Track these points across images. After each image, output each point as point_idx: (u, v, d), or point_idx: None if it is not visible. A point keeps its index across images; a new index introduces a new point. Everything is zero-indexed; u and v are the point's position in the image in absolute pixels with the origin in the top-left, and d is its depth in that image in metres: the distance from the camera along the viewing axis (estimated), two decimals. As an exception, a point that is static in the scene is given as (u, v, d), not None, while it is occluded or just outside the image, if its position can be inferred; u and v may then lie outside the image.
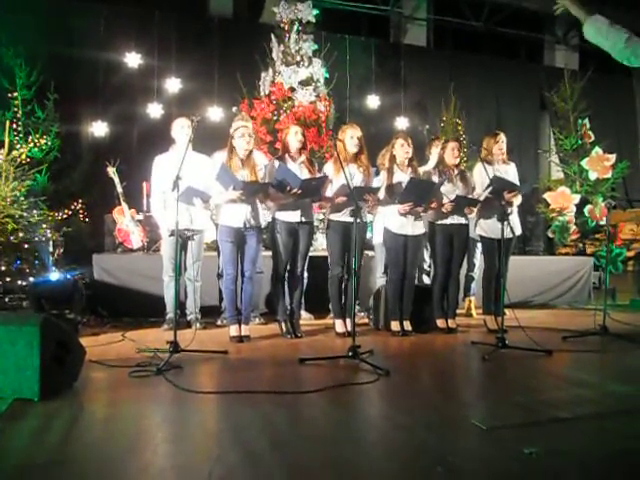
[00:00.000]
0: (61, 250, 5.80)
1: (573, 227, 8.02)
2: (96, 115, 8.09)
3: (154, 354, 3.67)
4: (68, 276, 4.88)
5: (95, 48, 8.29)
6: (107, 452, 2.19)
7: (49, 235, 5.60)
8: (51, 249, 5.58)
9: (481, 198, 4.76)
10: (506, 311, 4.36)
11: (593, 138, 8.67)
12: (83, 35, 8.39)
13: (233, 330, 4.37)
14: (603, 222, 7.87)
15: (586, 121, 8.81)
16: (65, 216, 6.98)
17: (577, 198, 8.14)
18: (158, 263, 4.87)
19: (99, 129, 7.96)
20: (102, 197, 6.83)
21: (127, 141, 8.45)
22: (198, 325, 4.74)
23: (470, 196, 4.82)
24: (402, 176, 4.62)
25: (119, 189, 5.77)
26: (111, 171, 5.80)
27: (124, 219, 5.69)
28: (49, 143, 7.09)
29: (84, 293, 4.80)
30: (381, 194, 4.57)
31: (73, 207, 7.26)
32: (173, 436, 2.44)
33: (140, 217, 5.81)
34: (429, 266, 5.35)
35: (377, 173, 4.71)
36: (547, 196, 8.25)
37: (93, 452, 2.20)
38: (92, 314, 5.00)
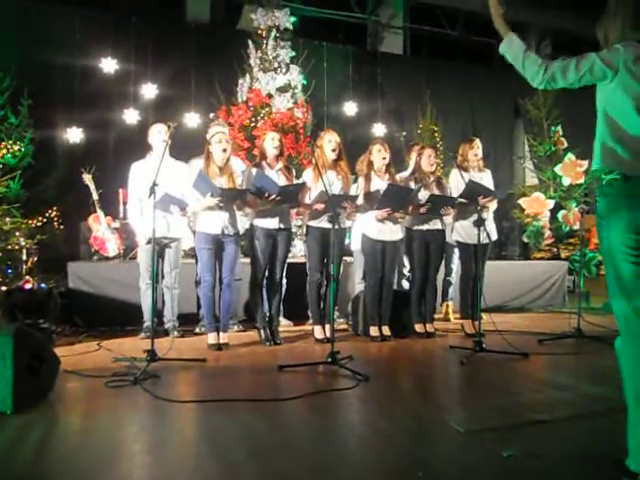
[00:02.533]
0: (35, 258, 5.69)
1: (547, 232, 8.15)
2: (71, 121, 7.97)
3: (131, 363, 3.63)
4: (42, 285, 4.78)
5: (70, 53, 8.18)
6: (83, 464, 2.15)
7: (22, 243, 5.49)
8: (25, 257, 5.47)
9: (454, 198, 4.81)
10: (483, 315, 4.41)
11: (566, 145, 8.84)
12: (58, 40, 8.27)
13: (211, 338, 4.33)
14: (576, 227, 8.01)
15: (559, 128, 8.97)
16: (39, 224, 6.85)
17: (551, 203, 8.28)
18: (135, 271, 4.81)
19: (74, 135, 7.85)
20: (77, 204, 6.71)
21: (103, 147, 8.34)
22: (176, 333, 4.70)
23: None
24: (379, 182, 4.65)
25: (95, 196, 5.69)
26: (87, 178, 5.72)
27: (100, 226, 5.61)
28: (22, 149, 6.96)
29: (59, 302, 4.71)
30: (359, 200, 4.59)
31: (47, 214, 7.12)
32: (151, 446, 2.40)
33: (116, 224, 5.73)
34: (409, 271, 5.38)
35: (355, 179, 4.73)
36: (522, 201, 8.37)
37: (68, 465, 2.16)
38: (67, 323, 4.91)
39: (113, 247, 5.61)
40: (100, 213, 5.63)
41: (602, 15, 2.16)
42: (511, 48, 2.15)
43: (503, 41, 2.18)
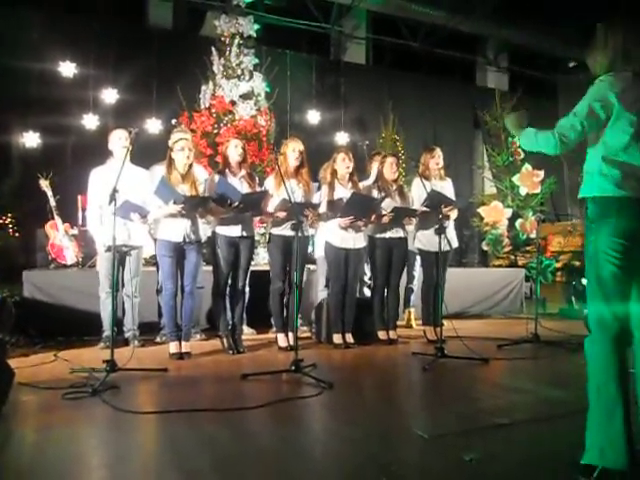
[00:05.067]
0: (-12, 266, 5.50)
1: (506, 240, 8.35)
2: (27, 125, 7.77)
3: (89, 374, 3.53)
4: (-5, 294, 4.62)
5: (27, 56, 7.98)
6: None
7: (-26, 251, 5.30)
8: (-23, 265, 5.28)
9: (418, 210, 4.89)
10: (444, 322, 4.48)
11: (522, 155, 9.11)
12: (14, 42, 8.06)
13: (173, 347, 4.26)
14: (533, 235, 8.24)
15: (516, 139, 9.24)
16: (-7, 230, 6.64)
17: (509, 212, 8.50)
18: (93, 279, 4.70)
19: (31, 140, 7.64)
20: (34, 211, 6.52)
21: (61, 153, 8.15)
22: (136, 342, 4.60)
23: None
24: (343, 190, 4.69)
25: (52, 202, 5.53)
26: (44, 184, 5.56)
27: (57, 234, 5.46)
28: (-25, 154, 6.74)
29: (13, 312, 4.55)
30: (322, 208, 4.61)
31: (2, 221, 6.91)
32: (110, 460, 2.34)
33: (75, 232, 5.59)
34: (370, 279, 5.43)
35: (319, 188, 4.75)
36: (481, 210, 8.57)
37: (23, 480, 2.09)
38: (22, 334, 4.73)
39: (71, 255, 5.47)
40: (58, 220, 5.49)
41: (592, 44, 2.27)
42: (526, 136, 2.32)
43: (521, 137, 2.35)
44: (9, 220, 7.02)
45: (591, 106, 2.13)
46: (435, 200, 4.69)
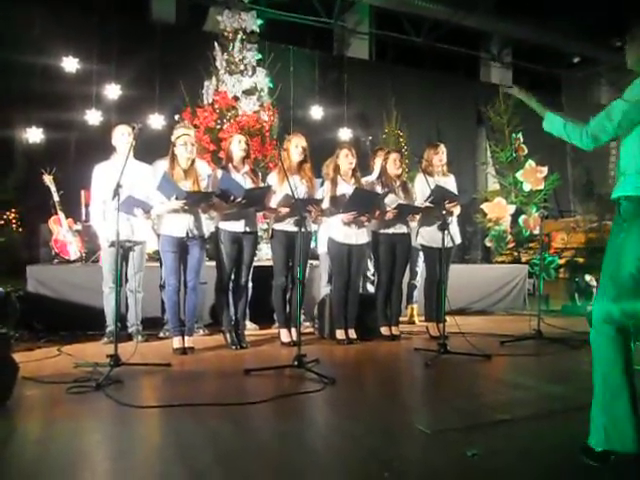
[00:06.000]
0: (-8, 262, 5.52)
1: (509, 236, 8.34)
2: (30, 121, 7.78)
3: (93, 369, 3.54)
4: (0, 289, 4.64)
5: (29, 51, 7.98)
6: (42, 475, 2.09)
7: (-22, 246, 5.32)
8: (-19, 260, 5.30)
9: (422, 207, 4.88)
10: (447, 318, 4.48)
11: (526, 151, 9.08)
12: (16, 37, 8.06)
13: (176, 342, 4.28)
14: (536, 231, 8.23)
15: (519, 135, 9.22)
16: (-4, 226, 6.66)
17: (512, 208, 8.48)
18: (97, 274, 4.71)
19: (34, 135, 7.66)
20: (37, 206, 6.54)
21: (64, 148, 8.16)
22: (140, 337, 4.62)
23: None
24: (346, 186, 4.69)
25: (55, 198, 5.55)
26: (47, 179, 5.58)
27: (61, 229, 5.48)
28: (-22, 150, 6.76)
29: (17, 307, 4.57)
30: (325, 204, 4.62)
31: (6, 216, 6.93)
32: (114, 454, 2.35)
33: (78, 227, 5.60)
34: (373, 274, 5.43)
35: (322, 183, 4.75)
36: (484, 206, 8.55)
37: (26, 476, 2.10)
38: (26, 328, 4.76)
39: (74, 250, 5.49)
40: (61, 215, 5.51)
41: (632, 41, 2.24)
42: (553, 125, 2.35)
43: (544, 120, 2.39)
44: (13, 215, 7.04)
45: (626, 111, 2.11)
46: (439, 195, 4.69)
